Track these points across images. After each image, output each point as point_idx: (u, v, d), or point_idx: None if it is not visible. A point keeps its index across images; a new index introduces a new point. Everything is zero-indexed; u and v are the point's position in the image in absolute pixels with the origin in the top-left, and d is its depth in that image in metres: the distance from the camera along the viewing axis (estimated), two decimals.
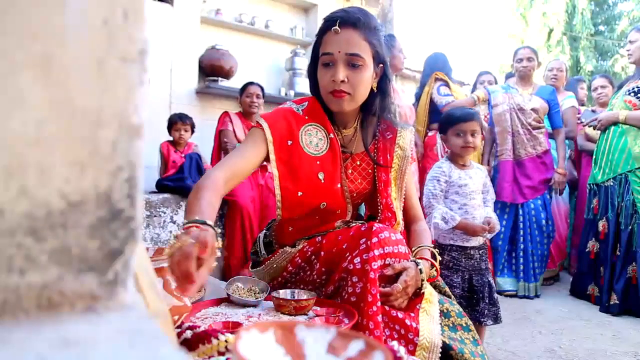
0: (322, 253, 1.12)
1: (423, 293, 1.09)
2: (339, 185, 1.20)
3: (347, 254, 1.06)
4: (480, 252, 1.89)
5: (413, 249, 1.23)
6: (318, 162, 1.18)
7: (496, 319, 1.82)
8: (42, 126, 0.32)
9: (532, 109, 3.12)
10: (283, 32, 4.31)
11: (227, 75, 3.78)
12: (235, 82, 3.77)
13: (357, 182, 1.27)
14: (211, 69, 3.73)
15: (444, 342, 0.99)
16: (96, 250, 0.35)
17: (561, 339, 2.18)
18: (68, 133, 0.33)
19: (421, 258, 1.17)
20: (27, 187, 0.32)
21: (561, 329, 2.34)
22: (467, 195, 1.89)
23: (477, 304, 1.80)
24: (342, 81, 1.13)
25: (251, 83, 3.36)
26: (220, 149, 3.32)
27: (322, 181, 1.17)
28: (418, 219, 1.35)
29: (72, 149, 0.33)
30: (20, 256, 0.32)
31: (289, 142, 1.17)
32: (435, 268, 1.21)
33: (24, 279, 0.32)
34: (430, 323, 1.00)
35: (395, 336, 0.96)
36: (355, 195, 1.26)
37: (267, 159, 1.17)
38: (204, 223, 0.85)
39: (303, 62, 4.14)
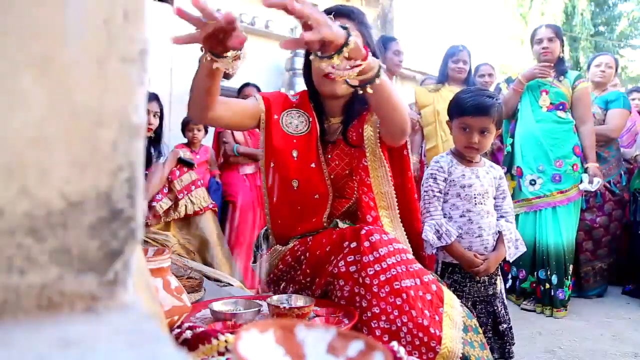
0: (308, 254, 1.15)
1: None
2: (313, 165, 1.23)
3: (332, 258, 1.09)
4: (491, 274, 1.51)
5: None
6: (294, 141, 1.26)
7: (503, 355, 1.48)
8: (42, 126, 0.32)
9: None
10: (283, 32, 4.31)
11: (226, 75, 3.76)
12: (235, 82, 3.76)
13: (334, 163, 1.29)
14: None
15: (462, 354, 0.99)
16: (96, 250, 0.35)
17: (561, 339, 2.18)
18: (68, 133, 0.33)
19: None
20: (27, 187, 0.32)
21: (561, 329, 2.33)
22: (472, 199, 1.51)
23: None
24: None
25: (247, 84, 3.38)
26: (219, 149, 3.32)
27: (295, 158, 1.23)
28: None
29: (72, 149, 0.33)
30: (20, 256, 0.32)
31: (275, 117, 1.29)
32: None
33: (24, 279, 0.32)
34: (452, 329, 1.00)
35: (417, 343, 0.95)
36: (334, 177, 1.27)
37: (257, 125, 1.29)
38: None
39: (303, 63, 4.13)
